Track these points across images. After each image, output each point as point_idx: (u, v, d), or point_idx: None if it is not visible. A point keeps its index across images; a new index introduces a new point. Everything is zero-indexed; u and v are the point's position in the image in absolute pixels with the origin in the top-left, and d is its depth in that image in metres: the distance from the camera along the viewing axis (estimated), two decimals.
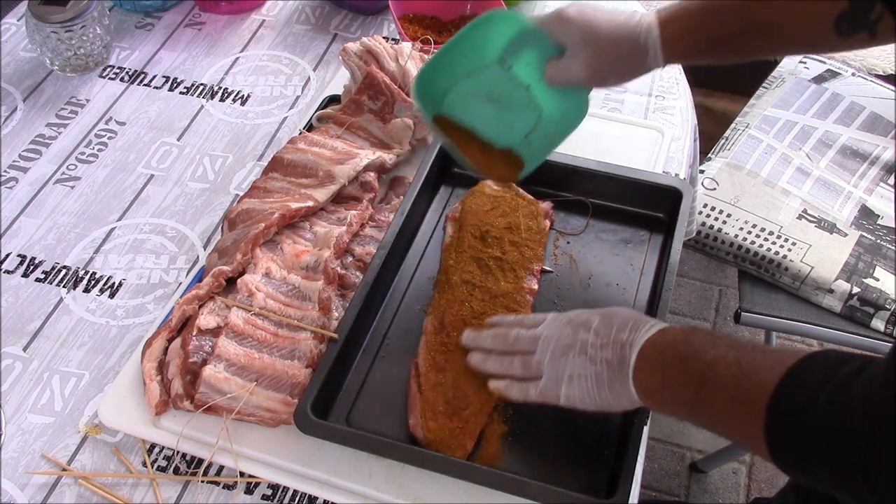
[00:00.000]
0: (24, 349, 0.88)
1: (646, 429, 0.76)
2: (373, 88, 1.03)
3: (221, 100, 1.17)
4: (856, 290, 1.29)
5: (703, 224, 1.39)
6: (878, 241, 1.36)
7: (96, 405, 0.82)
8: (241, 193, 0.99)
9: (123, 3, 1.30)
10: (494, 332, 0.79)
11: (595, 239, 0.95)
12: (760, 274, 1.36)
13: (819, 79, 1.59)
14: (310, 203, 0.92)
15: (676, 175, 1.05)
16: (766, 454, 0.59)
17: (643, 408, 0.71)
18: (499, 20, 0.80)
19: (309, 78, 1.21)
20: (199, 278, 0.89)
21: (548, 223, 0.95)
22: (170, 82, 1.20)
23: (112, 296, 0.93)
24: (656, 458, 1.69)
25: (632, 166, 0.98)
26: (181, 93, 1.18)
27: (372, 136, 1.03)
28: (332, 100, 1.11)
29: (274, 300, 0.84)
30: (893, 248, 1.35)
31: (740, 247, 1.36)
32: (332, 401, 0.80)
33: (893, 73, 1.78)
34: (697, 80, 1.34)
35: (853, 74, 1.60)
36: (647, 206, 0.97)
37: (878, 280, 1.30)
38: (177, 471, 0.78)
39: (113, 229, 1.00)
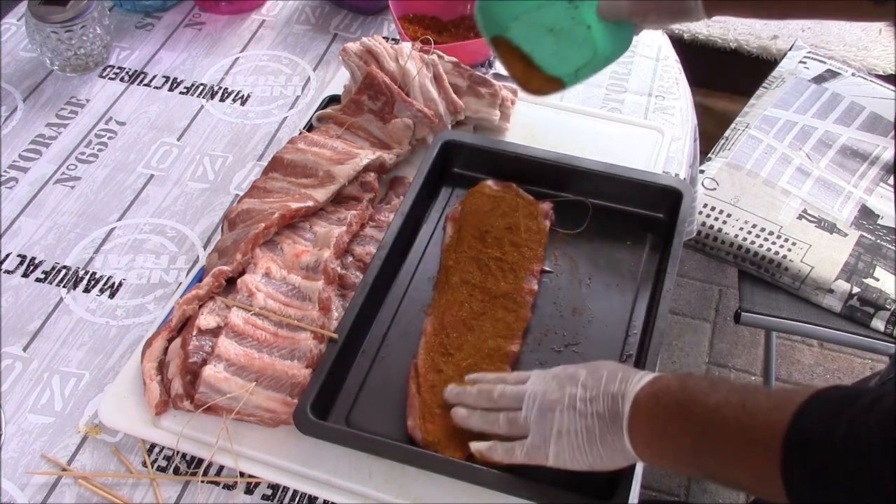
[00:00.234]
0: (24, 349, 0.88)
1: None
2: (373, 88, 1.03)
3: (221, 100, 1.17)
4: (856, 290, 1.29)
5: (703, 224, 1.39)
6: (878, 241, 1.36)
7: (96, 405, 0.82)
8: (241, 193, 0.99)
9: (123, 3, 1.30)
10: (479, 388, 0.75)
11: (595, 239, 0.95)
12: (760, 274, 1.36)
13: (819, 79, 1.59)
14: (310, 203, 0.92)
15: (676, 175, 1.05)
16: (782, 495, 0.56)
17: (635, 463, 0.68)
18: None
19: (309, 78, 1.21)
20: (199, 278, 0.89)
21: (547, 223, 0.95)
22: (170, 82, 1.20)
23: (112, 296, 0.93)
24: None
25: (632, 166, 0.98)
26: (181, 93, 1.18)
27: (372, 136, 1.03)
28: (332, 100, 1.11)
29: (274, 300, 0.84)
30: (893, 248, 1.35)
31: (740, 247, 1.36)
32: (332, 401, 0.80)
33: (893, 73, 1.79)
34: (697, 80, 1.34)
35: (853, 74, 1.60)
36: (647, 206, 0.97)
37: (878, 280, 1.30)
38: (177, 471, 0.78)
39: (113, 229, 1.00)
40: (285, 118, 1.15)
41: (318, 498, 0.76)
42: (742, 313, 1.34)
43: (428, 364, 0.81)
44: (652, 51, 1.24)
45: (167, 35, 1.28)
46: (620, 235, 0.95)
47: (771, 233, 1.35)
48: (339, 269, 0.88)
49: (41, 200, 1.03)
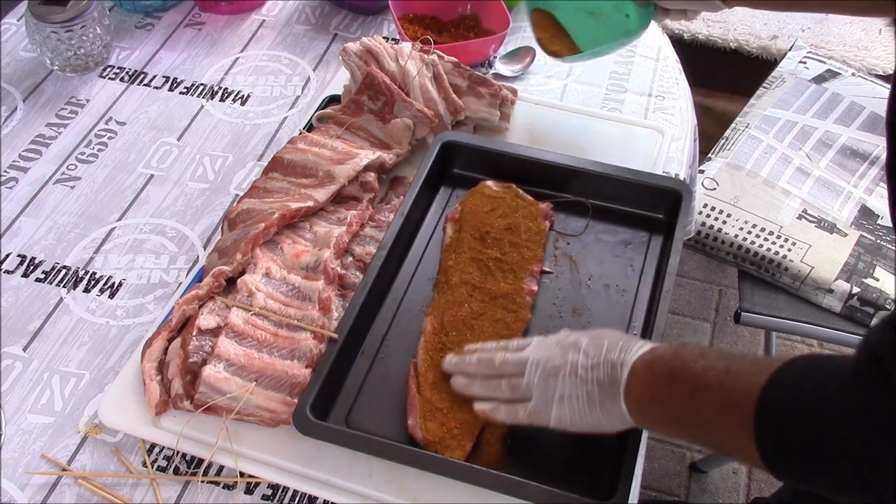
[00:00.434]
0: (24, 349, 0.88)
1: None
2: (373, 88, 1.03)
3: (221, 100, 1.17)
4: (856, 290, 1.29)
5: (703, 224, 1.39)
6: (878, 241, 1.36)
7: (96, 405, 0.82)
8: (241, 193, 0.99)
9: (123, 3, 1.30)
10: (479, 356, 0.78)
11: (595, 240, 0.95)
12: (760, 274, 1.36)
13: (819, 79, 1.59)
14: (310, 203, 0.92)
15: (676, 175, 1.05)
16: (757, 459, 0.59)
17: (635, 427, 0.71)
18: None
19: (309, 78, 1.21)
20: (199, 278, 0.89)
21: (547, 224, 0.95)
22: (170, 82, 1.20)
23: (112, 296, 0.93)
24: (656, 458, 1.69)
25: (632, 166, 0.98)
26: (181, 93, 1.18)
27: (372, 136, 1.03)
28: (332, 100, 1.11)
29: (274, 300, 0.84)
30: (893, 248, 1.35)
31: (740, 247, 1.36)
32: (332, 401, 0.80)
33: (893, 72, 1.78)
34: (697, 80, 1.34)
35: (853, 74, 1.61)
36: (646, 207, 0.97)
37: (878, 280, 1.30)
38: (177, 471, 0.78)
39: (113, 229, 1.00)
40: (285, 118, 1.15)
41: (318, 498, 0.76)
42: (742, 313, 1.34)
43: (428, 363, 0.81)
44: (652, 51, 1.24)
45: (167, 35, 1.28)
46: (620, 236, 0.95)
47: (771, 233, 1.35)
48: (339, 269, 0.88)
49: (41, 200, 1.03)
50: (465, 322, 0.84)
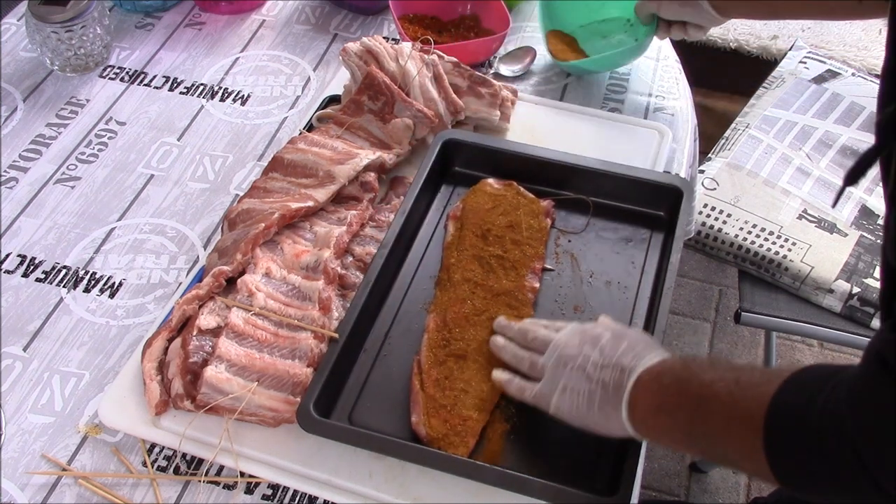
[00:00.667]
0: (24, 349, 0.88)
1: None
2: (373, 88, 1.03)
3: (221, 100, 1.17)
4: (856, 290, 1.29)
5: (703, 224, 1.39)
6: (878, 241, 1.36)
7: (96, 405, 0.82)
8: (241, 193, 0.99)
9: (123, 3, 1.30)
10: (521, 325, 0.80)
11: (596, 237, 0.95)
12: (760, 274, 1.36)
13: (819, 79, 1.59)
14: (310, 203, 0.92)
15: (676, 174, 1.05)
16: (766, 470, 0.58)
17: (632, 438, 0.69)
18: None
19: (309, 78, 1.21)
20: (199, 278, 0.89)
21: (549, 222, 0.95)
22: (170, 82, 1.20)
23: (112, 296, 0.93)
24: (656, 458, 1.69)
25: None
26: (181, 93, 1.18)
27: (372, 136, 1.03)
28: (332, 100, 1.11)
29: (274, 300, 0.84)
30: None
31: (740, 247, 1.36)
32: (335, 399, 0.80)
33: (881, 72, 1.78)
34: (697, 80, 1.34)
35: (853, 74, 1.61)
36: (647, 204, 0.97)
37: (878, 280, 1.30)
38: (177, 471, 0.78)
39: (113, 229, 1.00)
40: (285, 118, 1.15)
41: (318, 498, 0.76)
42: (742, 313, 1.34)
43: (431, 360, 0.81)
44: (652, 51, 1.23)
45: (167, 35, 1.28)
46: (621, 233, 0.95)
47: (771, 233, 1.35)
48: (339, 269, 0.88)
49: (41, 200, 1.03)
50: (468, 319, 0.84)
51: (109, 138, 1.11)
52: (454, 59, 1.08)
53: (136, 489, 0.76)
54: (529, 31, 1.25)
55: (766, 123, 1.50)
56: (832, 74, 1.60)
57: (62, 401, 0.83)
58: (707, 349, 1.89)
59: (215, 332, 0.81)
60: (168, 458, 0.79)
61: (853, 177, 0.57)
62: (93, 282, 0.94)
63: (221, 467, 0.78)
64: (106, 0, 1.29)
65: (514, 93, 1.11)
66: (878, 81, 1.70)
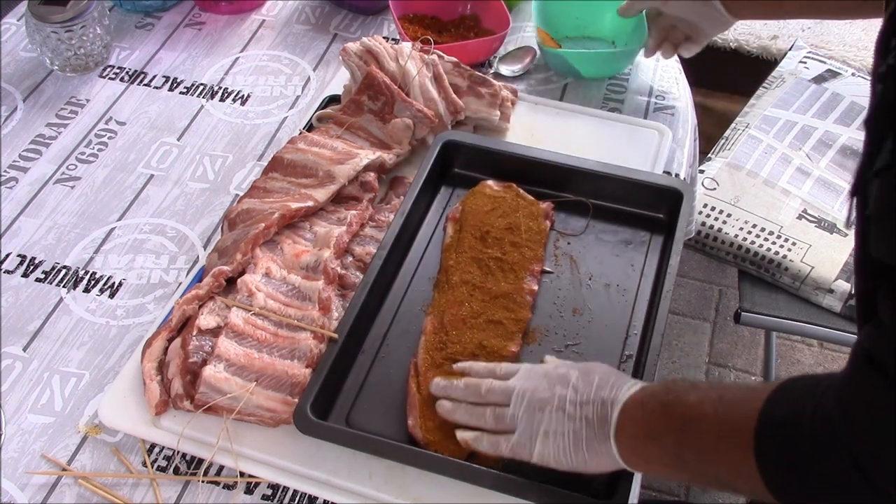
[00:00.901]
0: (24, 349, 0.88)
1: None
2: (373, 88, 1.03)
3: (221, 100, 1.17)
4: None
5: (703, 224, 1.39)
6: None
7: (96, 405, 0.82)
8: (241, 193, 0.99)
9: (123, 3, 1.30)
10: (466, 381, 0.76)
11: (595, 240, 0.95)
12: (760, 274, 1.36)
13: (819, 79, 1.59)
14: (310, 203, 0.92)
15: (677, 175, 1.05)
16: (760, 486, 0.57)
17: (623, 469, 0.69)
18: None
19: (309, 78, 1.21)
20: (199, 278, 0.89)
21: (548, 224, 0.95)
22: (170, 82, 1.20)
23: (112, 296, 0.93)
24: None
25: (632, 166, 0.98)
26: (181, 93, 1.18)
27: (372, 136, 1.03)
28: (332, 100, 1.11)
29: (274, 300, 0.84)
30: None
31: (740, 247, 1.36)
32: (332, 401, 0.80)
33: (871, 71, 1.78)
34: (697, 80, 1.34)
35: (853, 74, 1.60)
36: (647, 206, 0.97)
37: None
38: (177, 471, 0.78)
39: (113, 229, 1.00)
40: (285, 118, 1.15)
41: (318, 498, 0.76)
42: (742, 313, 1.34)
43: (428, 363, 0.81)
44: None
45: (167, 35, 1.28)
46: (621, 235, 0.95)
47: (771, 233, 1.35)
48: (339, 269, 0.88)
49: (41, 200, 1.03)
50: (466, 321, 0.84)
51: (109, 138, 1.11)
52: (454, 59, 1.08)
53: (136, 489, 0.77)
54: (529, 31, 1.25)
55: (766, 123, 1.50)
56: (832, 74, 1.60)
57: (62, 401, 0.84)
58: (707, 349, 1.89)
59: (215, 332, 0.82)
60: (168, 458, 0.79)
61: (859, 188, 0.56)
62: (93, 282, 0.94)
63: (221, 467, 0.78)
64: (106, 0, 1.29)
65: (514, 93, 1.11)
66: None
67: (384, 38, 1.13)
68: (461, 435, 0.73)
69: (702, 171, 1.43)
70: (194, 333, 0.80)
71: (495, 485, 0.72)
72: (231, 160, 1.09)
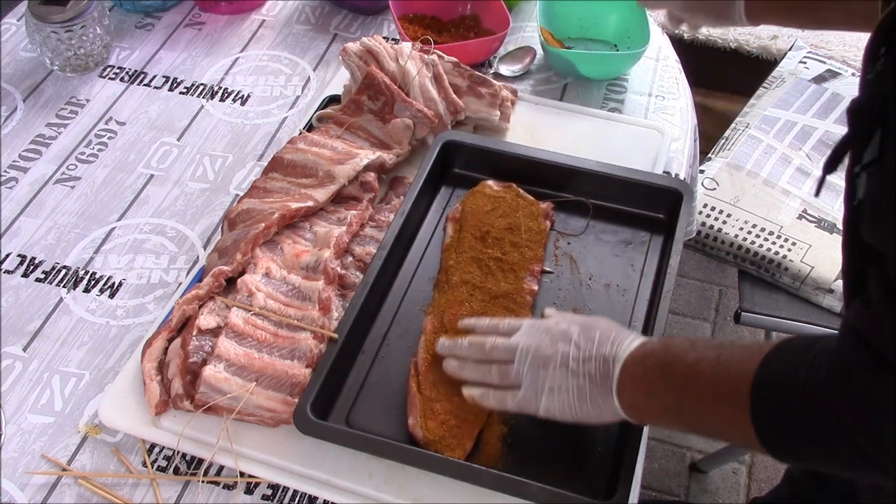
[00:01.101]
0: (24, 349, 0.88)
1: (646, 429, 0.76)
2: (373, 88, 1.03)
3: (221, 100, 1.17)
4: None
5: (703, 224, 1.39)
6: None
7: (96, 405, 0.82)
8: (241, 193, 0.99)
9: (123, 3, 1.30)
10: (470, 339, 0.78)
11: (595, 240, 0.95)
12: (760, 274, 1.36)
13: (819, 79, 1.59)
14: (310, 203, 0.92)
15: (676, 175, 1.05)
16: (756, 443, 0.60)
17: (625, 420, 0.70)
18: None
19: (309, 78, 1.21)
20: (199, 278, 0.89)
21: (548, 224, 0.95)
22: (170, 82, 1.20)
23: (112, 296, 0.93)
24: (656, 458, 1.69)
25: (632, 166, 0.98)
26: (181, 93, 1.18)
27: (372, 136, 1.03)
28: (332, 100, 1.11)
29: (274, 300, 0.84)
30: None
31: (740, 247, 1.36)
32: (332, 401, 0.80)
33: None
34: (697, 80, 1.34)
35: (853, 74, 1.60)
36: (647, 207, 0.97)
37: None
38: (177, 471, 0.78)
39: (113, 229, 1.00)
40: (285, 118, 1.15)
41: (318, 498, 0.76)
42: (742, 313, 1.34)
43: (428, 362, 0.81)
44: (652, 51, 1.23)
45: (167, 35, 1.28)
46: (621, 236, 0.95)
47: (771, 233, 1.35)
48: (339, 269, 0.88)
49: (41, 200, 1.03)
50: None
51: (109, 138, 1.11)
52: (454, 59, 1.08)
53: (136, 489, 0.77)
54: (529, 31, 1.26)
55: (765, 123, 1.50)
56: (832, 74, 1.60)
57: (62, 401, 0.84)
58: None
59: (215, 332, 0.82)
60: (168, 459, 0.79)
61: (831, 165, 0.60)
62: (93, 282, 0.94)
63: (221, 467, 0.78)
64: (106, 0, 1.29)
65: (514, 93, 1.11)
66: None
67: (384, 38, 1.13)
68: (467, 391, 0.75)
69: (702, 171, 1.43)
70: (194, 333, 0.80)
71: (495, 485, 0.72)
72: (231, 160, 1.09)
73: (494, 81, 1.07)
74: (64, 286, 0.94)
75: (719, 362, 0.63)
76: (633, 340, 0.70)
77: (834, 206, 1.39)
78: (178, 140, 1.11)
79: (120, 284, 0.94)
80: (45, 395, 0.84)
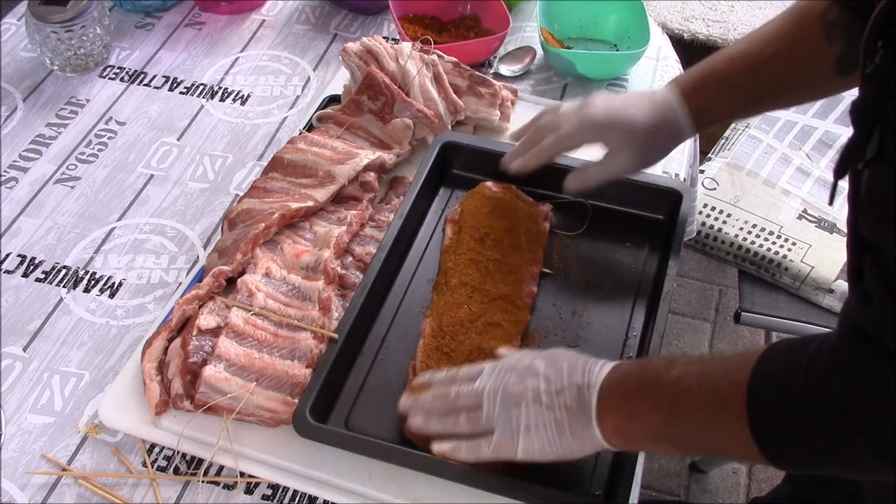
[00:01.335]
0: (24, 349, 0.88)
1: None
2: (373, 88, 1.03)
3: (221, 100, 1.17)
4: None
5: (703, 224, 1.39)
6: None
7: (96, 405, 0.82)
8: (241, 193, 0.99)
9: (123, 3, 1.30)
10: (433, 392, 0.74)
11: (595, 241, 0.95)
12: (760, 274, 1.36)
13: None
14: (310, 203, 0.92)
15: (676, 176, 1.05)
16: (756, 453, 0.58)
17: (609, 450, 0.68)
18: None
19: (309, 78, 1.21)
20: (199, 278, 0.89)
21: (547, 225, 0.95)
22: (170, 82, 1.20)
23: (112, 296, 0.93)
24: (656, 458, 1.69)
25: None
26: (181, 93, 1.18)
27: (372, 136, 1.03)
28: (332, 100, 1.11)
29: (274, 300, 0.84)
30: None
31: (740, 247, 1.36)
32: (332, 403, 0.80)
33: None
34: None
35: None
36: (646, 207, 0.97)
37: None
38: (177, 471, 0.78)
39: (113, 229, 1.00)
40: (285, 118, 1.15)
41: (318, 498, 0.76)
42: (742, 313, 1.34)
43: (426, 366, 0.81)
44: (652, 51, 1.23)
45: (167, 35, 1.28)
46: (620, 237, 0.95)
47: (771, 233, 1.35)
48: (339, 269, 0.88)
49: (41, 200, 1.03)
50: (464, 324, 0.84)
51: (109, 138, 1.11)
52: (454, 59, 1.08)
53: (136, 489, 0.77)
54: (529, 31, 1.25)
55: (765, 123, 1.50)
56: None
57: (62, 401, 0.84)
58: (707, 349, 1.89)
59: (215, 332, 0.82)
60: (168, 459, 0.79)
61: (841, 170, 0.58)
62: (93, 282, 0.94)
63: (221, 467, 0.78)
64: (106, 0, 1.29)
65: (514, 93, 1.11)
66: None
67: (384, 38, 1.13)
68: (437, 447, 0.71)
69: (702, 171, 1.43)
70: (194, 333, 0.81)
71: (494, 487, 0.72)
72: (231, 160, 1.09)
73: (494, 81, 1.07)
74: (64, 286, 0.94)
75: (705, 376, 0.61)
76: (603, 365, 0.68)
77: (834, 206, 1.39)
78: (178, 140, 1.11)
79: (120, 284, 0.94)
80: (45, 395, 0.84)
